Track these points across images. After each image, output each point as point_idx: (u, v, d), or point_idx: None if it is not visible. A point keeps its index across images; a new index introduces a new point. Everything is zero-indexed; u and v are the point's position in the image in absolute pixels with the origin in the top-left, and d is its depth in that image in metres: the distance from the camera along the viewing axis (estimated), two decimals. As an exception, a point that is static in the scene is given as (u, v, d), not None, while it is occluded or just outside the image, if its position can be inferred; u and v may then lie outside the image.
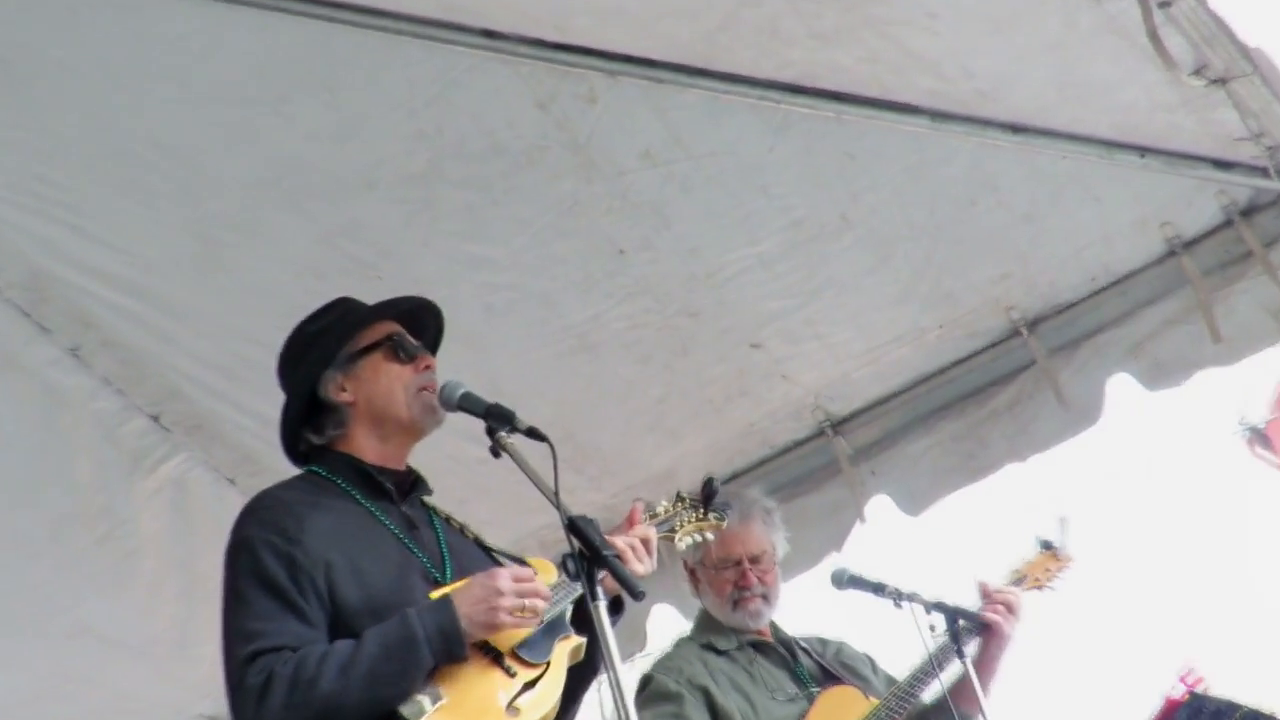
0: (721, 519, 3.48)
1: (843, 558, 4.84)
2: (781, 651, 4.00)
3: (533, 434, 2.66)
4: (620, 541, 2.82)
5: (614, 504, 5.09)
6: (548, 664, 2.72)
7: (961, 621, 3.69)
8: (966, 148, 4.17)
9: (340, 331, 2.98)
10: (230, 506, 4.56)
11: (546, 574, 2.83)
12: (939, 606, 3.67)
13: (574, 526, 2.50)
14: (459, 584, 2.71)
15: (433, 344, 3.11)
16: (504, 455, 2.67)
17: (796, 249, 4.42)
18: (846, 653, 4.09)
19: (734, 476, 5.24)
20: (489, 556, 2.99)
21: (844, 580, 3.89)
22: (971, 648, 3.75)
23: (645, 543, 2.96)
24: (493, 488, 4.89)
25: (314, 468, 2.94)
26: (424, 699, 2.55)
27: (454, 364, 3.14)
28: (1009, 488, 5.00)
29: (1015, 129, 4.09)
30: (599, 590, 2.46)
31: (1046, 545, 4.15)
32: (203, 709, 4.94)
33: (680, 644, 4.07)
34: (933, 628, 3.66)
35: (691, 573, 4.15)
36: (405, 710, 2.53)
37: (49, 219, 4.11)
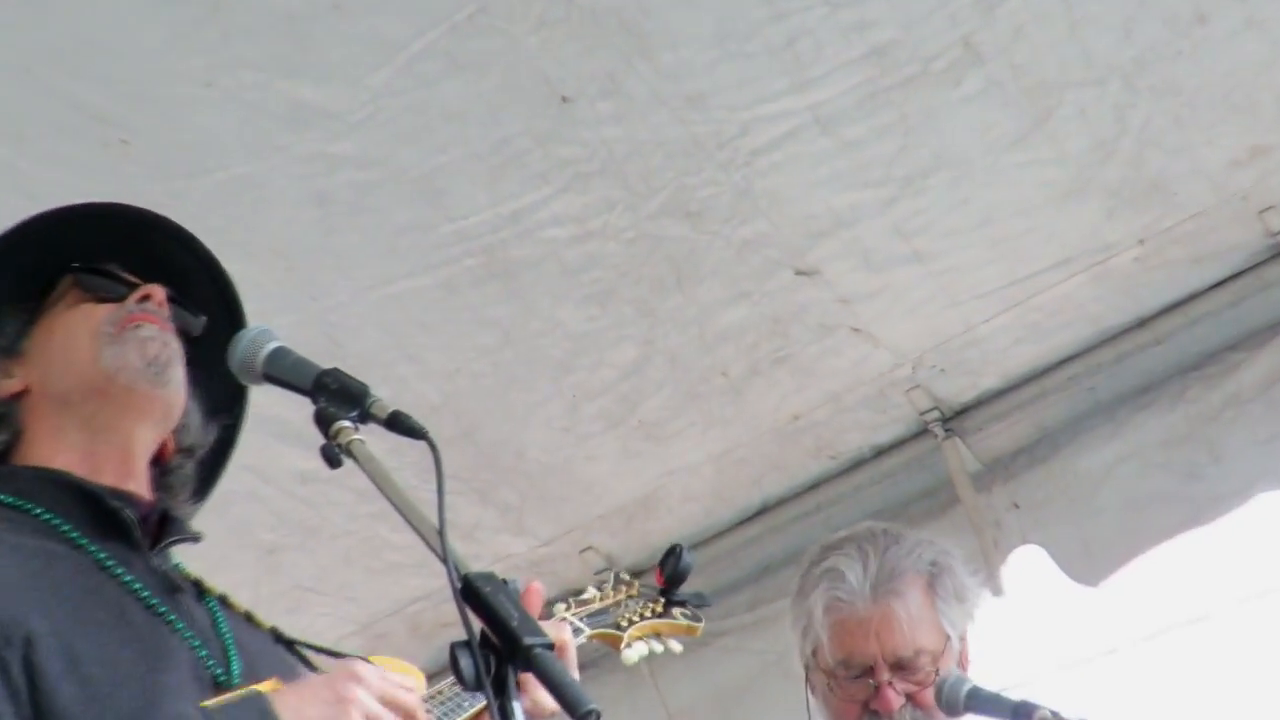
0: (696, 620, 3.57)
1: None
2: None
3: (400, 426, 2.68)
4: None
5: (546, 557, 5.16)
6: None
7: None
8: (1190, -79, 4.24)
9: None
10: None
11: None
12: (1126, 745, 3.75)
13: (472, 593, 2.47)
14: (269, 684, 2.72)
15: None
16: (347, 464, 2.67)
17: (881, 99, 4.47)
18: None
19: (763, 510, 5.32)
20: (296, 657, 3.03)
21: (961, 696, 3.95)
22: None
23: (559, 650, 3.01)
24: (322, 525, 4.94)
25: None
26: None
27: (260, 305, 3.18)
28: (1262, 530, 5.06)
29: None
30: (516, 707, 2.43)
31: None
32: None
33: None
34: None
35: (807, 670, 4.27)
36: None
37: None
